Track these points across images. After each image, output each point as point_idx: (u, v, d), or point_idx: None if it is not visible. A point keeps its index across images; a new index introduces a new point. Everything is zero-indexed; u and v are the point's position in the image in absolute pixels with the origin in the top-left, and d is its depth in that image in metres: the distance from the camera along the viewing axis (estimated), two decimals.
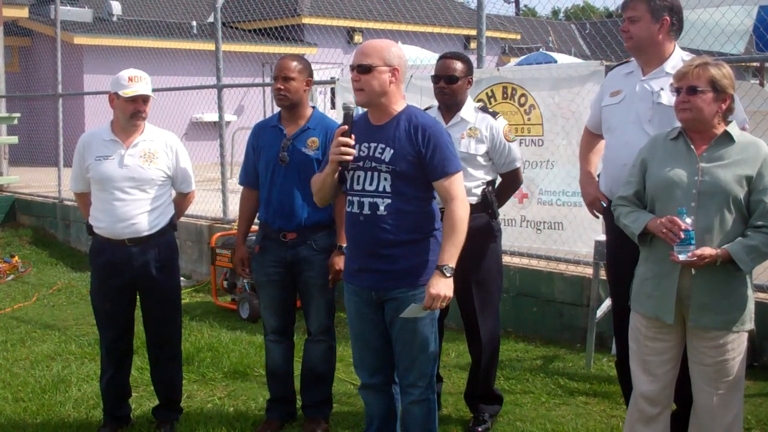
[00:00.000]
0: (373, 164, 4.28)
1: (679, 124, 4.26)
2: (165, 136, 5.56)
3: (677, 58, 4.74)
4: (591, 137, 5.29)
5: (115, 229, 5.37)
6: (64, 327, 8.58)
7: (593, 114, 5.26)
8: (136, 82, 5.33)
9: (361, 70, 4.24)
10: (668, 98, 4.57)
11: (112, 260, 5.43)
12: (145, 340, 5.82)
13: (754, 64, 16.12)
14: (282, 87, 5.36)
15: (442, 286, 4.15)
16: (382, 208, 4.25)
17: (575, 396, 6.19)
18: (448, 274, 4.16)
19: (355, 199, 4.33)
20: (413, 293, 4.31)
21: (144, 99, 5.35)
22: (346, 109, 4.23)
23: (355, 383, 6.42)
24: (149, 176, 5.38)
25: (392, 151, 4.24)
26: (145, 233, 5.39)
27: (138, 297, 5.61)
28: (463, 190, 4.33)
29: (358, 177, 4.31)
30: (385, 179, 4.25)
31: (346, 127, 4.21)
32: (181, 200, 5.79)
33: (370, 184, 4.26)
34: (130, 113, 5.35)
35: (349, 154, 4.20)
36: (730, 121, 4.13)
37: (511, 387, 6.36)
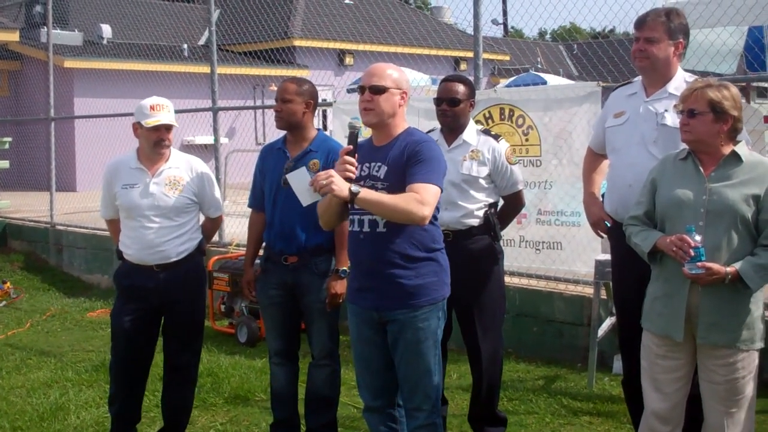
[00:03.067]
0: (371, 182, 4.28)
1: (683, 146, 4.29)
2: (190, 162, 5.59)
3: (680, 79, 4.77)
4: (594, 157, 5.30)
5: (142, 255, 5.42)
6: (60, 353, 8.51)
7: (596, 134, 5.27)
8: (158, 110, 5.37)
9: (375, 90, 4.25)
10: (672, 120, 4.59)
11: (140, 284, 5.46)
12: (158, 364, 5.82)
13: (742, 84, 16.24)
14: (280, 109, 5.39)
15: None
16: (381, 224, 4.24)
17: (579, 416, 6.17)
18: None
19: (356, 217, 4.32)
20: (414, 315, 4.29)
21: (167, 127, 5.39)
22: (352, 128, 4.20)
23: (358, 407, 6.39)
24: (174, 204, 5.41)
25: (386, 167, 4.26)
26: (173, 259, 5.43)
27: (162, 322, 5.62)
28: (433, 202, 4.17)
29: None
30: None
31: (351, 147, 4.17)
32: (210, 224, 5.81)
33: None
34: (154, 142, 5.38)
35: (351, 172, 4.14)
36: (739, 141, 4.14)
37: (514, 408, 6.35)
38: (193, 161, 5.61)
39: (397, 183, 4.22)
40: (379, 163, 4.31)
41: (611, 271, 5.30)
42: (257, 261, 5.75)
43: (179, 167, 5.50)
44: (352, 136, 4.19)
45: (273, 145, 5.64)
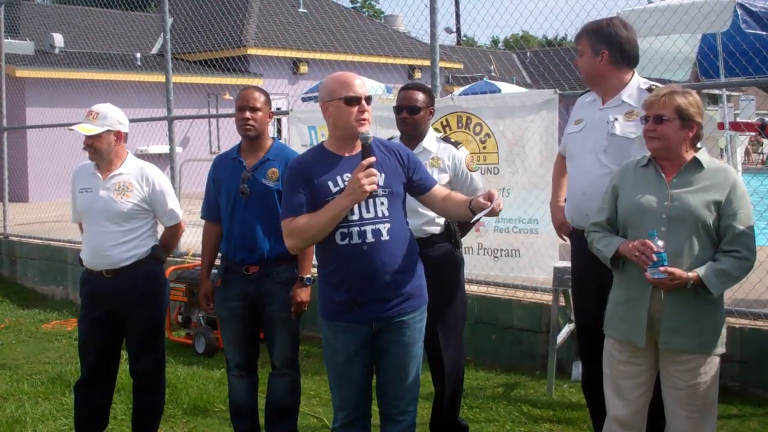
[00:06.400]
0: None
1: (634, 155, 4.39)
2: (143, 169, 5.57)
3: (633, 87, 4.78)
4: (563, 163, 5.32)
5: (93, 260, 5.48)
6: (15, 366, 8.39)
7: (563, 140, 5.30)
8: (86, 117, 5.44)
9: (369, 101, 4.28)
10: (621, 129, 4.67)
11: (93, 290, 5.52)
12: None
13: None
14: (250, 117, 5.34)
15: None
16: (385, 233, 4.21)
17: (539, 423, 6.19)
18: None
19: (354, 229, 4.20)
20: (412, 316, 4.34)
21: (90, 135, 5.40)
22: (365, 140, 4.18)
23: (318, 416, 6.37)
24: (121, 209, 5.41)
25: (383, 174, 4.23)
26: (120, 265, 5.43)
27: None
28: None
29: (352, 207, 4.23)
30: (382, 203, 4.23)
31: (374, 159, 4.16)
32: (168, 234, 5.75)
33: (368, 212, 4.20)
34: (83, 147, 5.46)
35: (376, 183, 4.15)
36: (700, 148, 4.18)
37: (474, 416, 6.34)
38: (147, 168, 5.59)
39: (399, 189, 4.33)
40: None
41: (571, 276, 5.32)
42: (213, 272, 5.70)
43: (130, 173, 5.51)
44: (368, 148, 4.17)
45: (227, 154, 5.59)
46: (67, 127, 5.38)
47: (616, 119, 4.73)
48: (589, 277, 4.76)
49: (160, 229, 5.75)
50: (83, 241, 5.57)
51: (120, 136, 5.50)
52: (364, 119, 4.24)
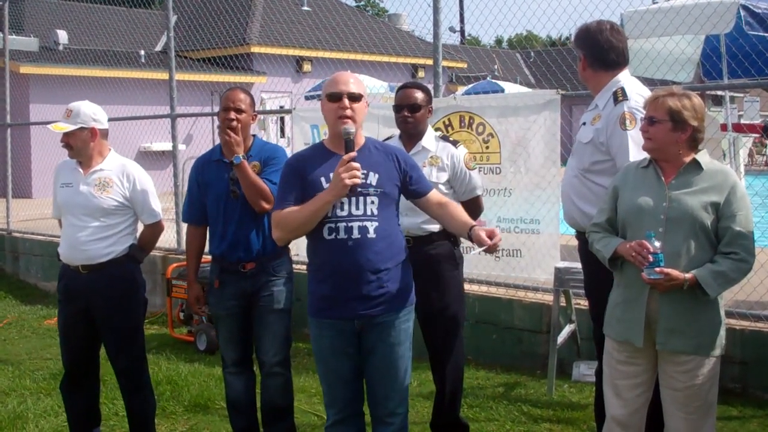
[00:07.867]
0: (359, 188, 4.22)
1: (587, 160, 4.58)
2: (125, 166, 5.57)
3: (608, 92, 4.74)
4: None
5: (70, 254, 5.49)
6: (18, 361, 8.43)
7: None
8: (63, 115, 5.49)
9: (353, 98, 4.28)
10: (581, 133, 4.74)
11: (69, 285, 5.53)
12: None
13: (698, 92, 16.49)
14: (234, 118, 5.33)
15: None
16: (371, 231, 4.22)
17: (539, 423, 6.20)
18: None
19: (341, 224, 4.23)
20: (397, 317, 4.34)
21: (66, 133, 5.43)
22: (347, 135, 4.20)
23: (319, 414, 6.39)
24: (100, 205, 5.42)
25: (377, 175, 4.27)
26: (97, 261, 5.42)
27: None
28: None
29: (341, 203, 4.23)
30: (372, 202, 4.25)
31: (355, 153, 4.18)
32: (147, 232, 5.72)
33: (357, 209, 4.23)
34: (62, 145, 5.50)
35: (359, 177, 4.16)
36: (700, 150, 4.19)
37: (474, 415, 6.36)
38: (129, 165, 5.60)
39: (391, 190, 4.35)
40: (363, 170, 4.24)
41: (583, 276, 5.23)
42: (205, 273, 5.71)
43: (111, 170, 5.52)
44: (350, 143, 4.20)
45: (208, 156, 5.58)
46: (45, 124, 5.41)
47: (584, 123, 4.79)
48: (601, 275, 4.74)
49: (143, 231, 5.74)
50: (62, 235, 5.59)
51: (95, 133, 5.50)
52: (343, 116, 4.25)
